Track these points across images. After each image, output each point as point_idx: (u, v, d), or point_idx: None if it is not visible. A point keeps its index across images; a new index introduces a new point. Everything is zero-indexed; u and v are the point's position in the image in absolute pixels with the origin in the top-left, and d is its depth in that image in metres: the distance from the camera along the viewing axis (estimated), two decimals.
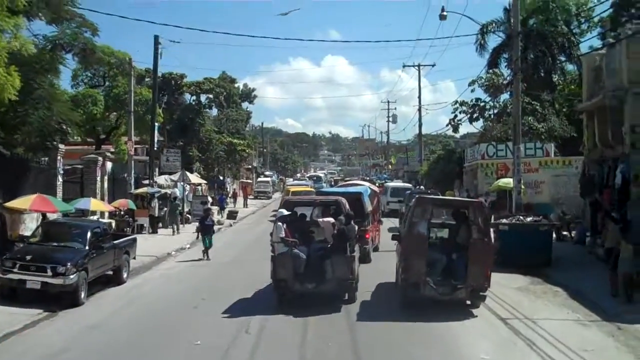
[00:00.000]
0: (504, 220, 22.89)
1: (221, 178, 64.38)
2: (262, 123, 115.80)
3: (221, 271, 22.08)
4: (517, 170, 27.72)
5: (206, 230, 25.63)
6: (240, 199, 62.50)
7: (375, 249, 25.10)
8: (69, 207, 23.41)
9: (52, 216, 22.08)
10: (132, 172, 36.08)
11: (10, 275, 16.51)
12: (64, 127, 23.42)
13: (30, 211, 21.47)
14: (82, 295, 16.91)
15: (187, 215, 38.92)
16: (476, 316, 14.94)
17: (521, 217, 23.18)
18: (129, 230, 32.17)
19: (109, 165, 33.88)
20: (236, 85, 75.04)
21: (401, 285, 15.86)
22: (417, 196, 18.50)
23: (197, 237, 25.55)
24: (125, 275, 20.23)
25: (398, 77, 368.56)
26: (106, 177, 32.73)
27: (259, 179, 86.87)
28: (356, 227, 16.52)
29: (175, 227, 35.35)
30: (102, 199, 31.77)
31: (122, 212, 32.89)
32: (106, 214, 31.49)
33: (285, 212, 16.37)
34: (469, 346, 12.50)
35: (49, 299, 16.24)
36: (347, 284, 15.55)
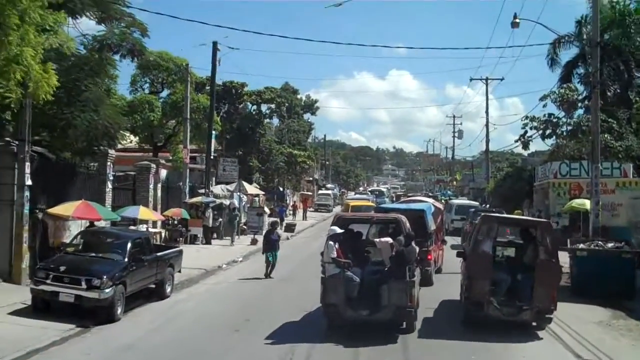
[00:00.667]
0: (582, 246, 20.82)
1: (281, 189, 63.29)
2: (325, 135, 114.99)
3: (271, 289, 20.59)
4: (595, 191, 25.57)
5: (271, 246, 23.19)
6: (300, 212, 61.31)
7: (438, 271, 23.40)
8: (114, 215, 22.39)
9: (101, 224, 21.15)
10: (187, 180, 35.14)
11: (43, 287, 15.46)
12: (112, 131, 22.29)
13: (74, 218, 20.47)
14: (119, 310, 15.73)
15: (243, 226, 37.68)
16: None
17: (600, 243, 21.06)
18: (182, 241, 31.32)
19: (163, 172, 32.97)
20: (298, 96, 74.12)
21: (464, 304, 15.72)
22: (482, 214, 18.30)
23: (263, 253, 23.39)
24: (168, 289, 19.00)
25: (464, 92, 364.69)
26: (160, 185, 31.76)
27: (320, 192, 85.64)
28: (417, 249, 14.84)
29: (232, 237, 34.41)
30: (155, 207, 30.82)
31: (175, 222, 31.97)
32: (158, 223, 30.53)
33: (337, 229, 14.72)
34: None
35: (84, 313, 15.10)
36: (405, 312, 13.83)
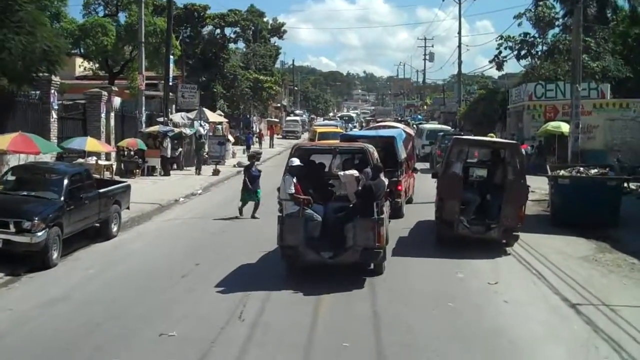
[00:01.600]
0: (563, 172, 19.38)
1: (247, 116, 61.14)
2: (293, 60, 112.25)
3: (227, 227, 18.74)
4: (575, 113, 23.97)
5: (252, 181, 20.00)
6: (266, 139, 59.47)
7: (409, 201, 21.93)
8: (55, 147, 20.52)
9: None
10: (143, 109, 32.95)
11: None
12: (52, 55, 20.16)
13: (10, 152, 18.57)
14: (55, 255, 14.01)
15: (205, 156, 35.75)
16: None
17: (581, 169, 19.63)
18: (139, 173, 29.54)
19: (116, 100, 30.80)
20: (265, 19, 71.17)
21: (436, 223, 16.39)
22: (454, 137, 19.48)
23: (248, 189, 19.90)
24: (115, 229, 17.28)
25: (435, 14, 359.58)
26: (112, 114, 29.61)
27: (288, 118, 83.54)
28: (386, 182, 13.19)
29: (199, 167, 33.09)
30: (108, 138, 28.84)
31: (131, 153, 30.03)
32: (113, 155, 28.62)
33: (297, 161, 12.97)
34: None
35: (15, 259, 13.39)
36: (373, 253, 12.25)
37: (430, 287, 12.26)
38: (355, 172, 13.24)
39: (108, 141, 28.51)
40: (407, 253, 15.08)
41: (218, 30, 57.47)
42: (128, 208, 18.67)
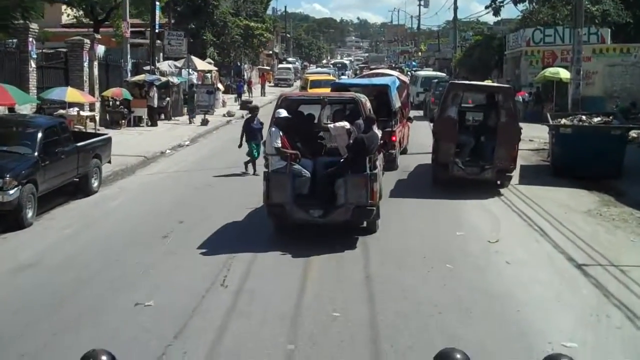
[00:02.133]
0: (564, 121, 18.52)
1: (238, 64, 59.75)
2: (285, 6, 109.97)
3: (214, 181, 17.83)
4: (577, 58, 23.02)
5: (253, 135, 18.37)
6: (258, 87, 58.28)
7: (404, 152, 21.15)
8: (32, 98, 19.61)
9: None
10: (128, 57, 31.76)
11: None
12: (25, 1, 19.10)
13: None
14: (30, 214, 13.19)
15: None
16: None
17: (583, 117, 18.77)
18: (124, 123, 28.62)
19: (100, 49, 29.62)
20: None
21: (432, 165, 17.02)
22: (450, 82, 20.11)
23: (240, 146, 18.34)
24: (95, 184, 16.42)
25: None
26: (96, 63, 28.48)
27: (280, 66, 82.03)
28: (379, 134, 12.33)
29: (193, 116, 32.42)
30: (92, 87, 27.82)
31: (117, 103, 29.02)
32: (97, 105, 27.65)
33: (284, 113, 12.06)
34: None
35: None
36: (366, 211, 11.42)
37: (428, 246, 11.49)
38: (346, 124, 12.33)
39: (92, 91, 27.50)
40: (403, 208, 14.37)
41: None
42: (109, 162, 17.79)
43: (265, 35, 60.92)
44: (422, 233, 12.46)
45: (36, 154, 13.83)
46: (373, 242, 11.64)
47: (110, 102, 28.98)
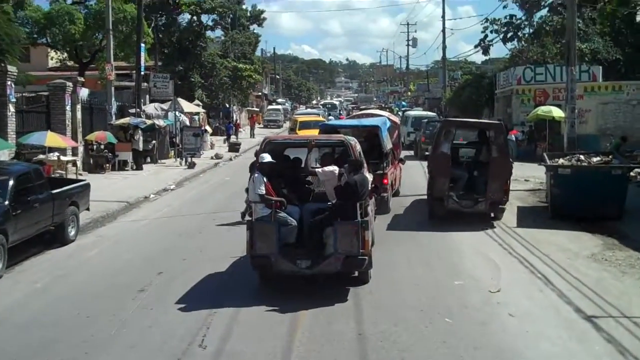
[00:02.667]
0: (562, 161, 17.86)
1: (227, 106, 59.27)
2: (274, 48, 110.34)
3: (198, 227, 16.98)
4: (570, 97, 22.51)
5: None
6: (247, 129, 57.77)
7: (396, 194, 20.38)
8: (9, 144, 18.85)
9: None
10: (113, 100, 31.16)
11: None
12: (3, 44, 18.44)
13: None
14: None
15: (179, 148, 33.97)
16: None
17: (581, 157, 18.11)
18: (109, 167, 27.87)
19: (83, 91, 28.95)
20: (244, 6, 69.33)
21: (427, 200, 17.54)
22: (443, 119, 21.09)
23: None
24: (72, 232, 15.60)
25: (416, 1, 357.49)
26: (79, 107, 27.79)
27: (269, 107, 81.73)
28: (370, 178, 11.60)
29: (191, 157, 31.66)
30: (75, 131, 27.12)
31: (101, 147, 28.32)
32: (80, 149, 26.94)
33: (267, 157, 11.31)
34: None
35: None
36: (357, 261, 10.60)
37: (424, 298, 10.66)
38: (335, 169, 11.61)
39: (75, 135, 26.80)
40: (396, 252, 13.54)
41: (195, 18, 55.45)
42: (88, 209, 17.01)
43: (253, 76, 60.59)
44: (417, 282, 11.64)
45: (7, 202, 13.04)
46: (365, 293, 10.82)
47: (95, 146, 28.29)
